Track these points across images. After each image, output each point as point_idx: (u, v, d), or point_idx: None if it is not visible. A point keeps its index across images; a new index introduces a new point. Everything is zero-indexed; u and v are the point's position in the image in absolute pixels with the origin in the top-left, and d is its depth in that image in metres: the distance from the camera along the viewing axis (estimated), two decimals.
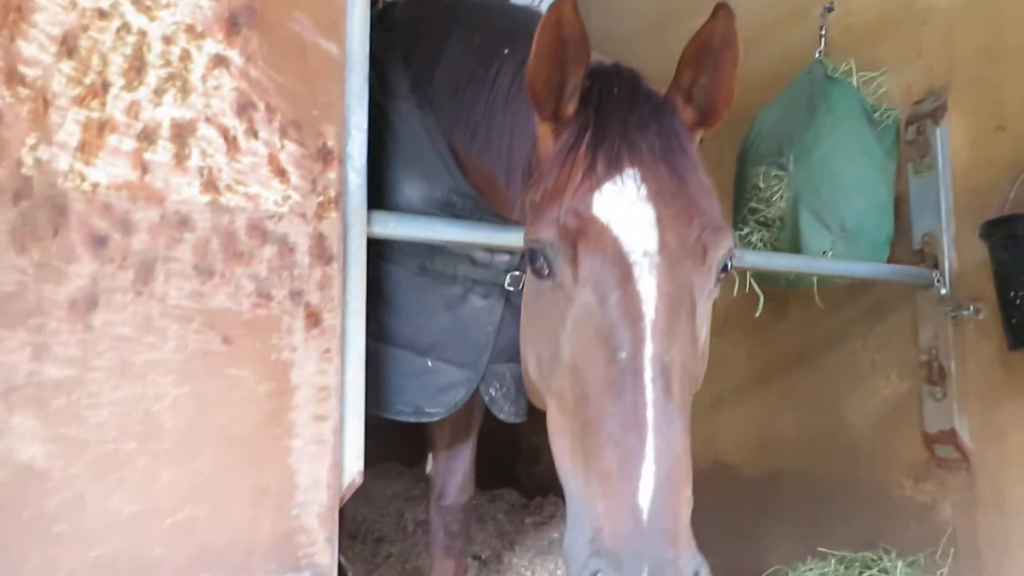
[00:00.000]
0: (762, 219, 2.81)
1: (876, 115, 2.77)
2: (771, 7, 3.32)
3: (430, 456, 2.74)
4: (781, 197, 2.72)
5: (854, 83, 2.81)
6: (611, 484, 1.21)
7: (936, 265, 2.62)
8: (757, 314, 2.82)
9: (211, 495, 1.45)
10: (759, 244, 2.80)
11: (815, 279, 2.69)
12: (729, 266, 1.47)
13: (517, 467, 5.41)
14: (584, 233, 1.38)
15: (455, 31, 2.01)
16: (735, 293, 2.90)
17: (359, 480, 1.62)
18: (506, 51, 1.83)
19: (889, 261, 2.72)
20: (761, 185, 2.79)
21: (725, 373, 3.58)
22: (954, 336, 2.58)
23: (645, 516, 1.17)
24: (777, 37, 3.31)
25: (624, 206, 1.37)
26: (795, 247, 2.69)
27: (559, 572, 3.92)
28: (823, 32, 2.98)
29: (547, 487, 4.98)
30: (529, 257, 1.48)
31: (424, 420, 2.16)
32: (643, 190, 1.38)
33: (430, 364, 2.13)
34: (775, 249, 2.78)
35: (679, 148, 1.45)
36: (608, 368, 1.29)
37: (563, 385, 1.39)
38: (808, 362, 3.16)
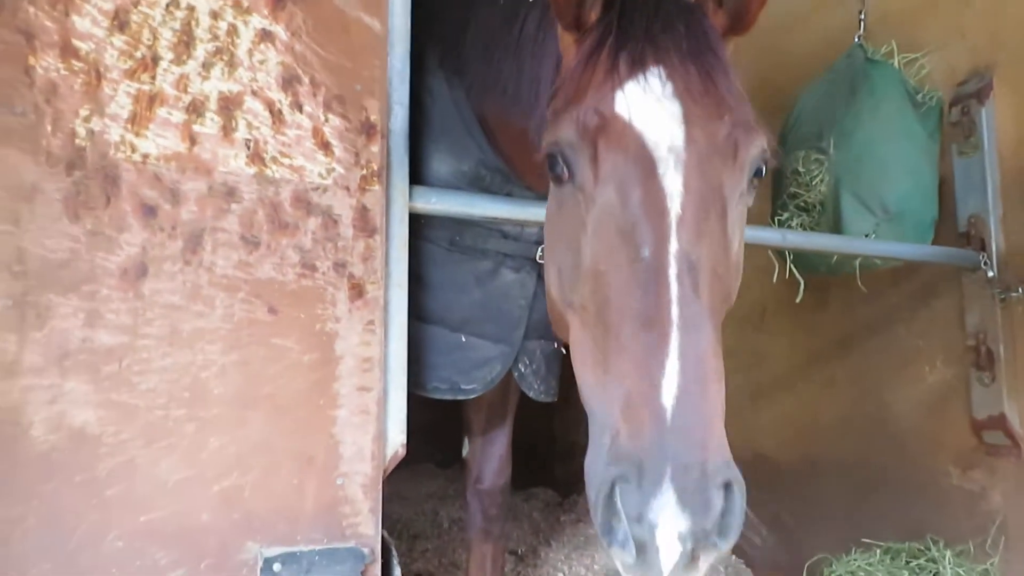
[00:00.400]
0: (802, 204, 2.77)
1: (919, 97, 2.72)
2: None
3: (466, 440, 2.74)
4: (822, 181, 2.69)
5: (895, 65, 2.77)
6: (631, 384, 1.13)
7: (983, 247, 2.56)
8: (798, 300, 2.78)
9: (257, 463, 1.47)
10: (799, 229, 2.76)
11: (857, 263, 2.65)
12: (763, 170, 1.39)
13: (552, 465, 5.39)
14: (605, 130, 1.30)
15: (482, 3, 2.00)
16: (775, 279, 2.87)
17: (402, 452, 1.63)
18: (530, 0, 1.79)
19: (934, 244, 2.66)
20: (801, 169, 2.76)
21: (765, 364, 3.54)
22: (1002, 319, 2.52)
23: (669, 415, 1.08)
24: (816, 22, 3.27)
25: (648, 103, 1.29)
26: (836, 231, 2.65)
27: (596, 567, 3.89)
28: (863, 16, 2.93)
29: (583, 485, 4.95)
30: (549, 164, 1.40)
31: (460, 397, 2.15)
32: (669, 88, 1.31)
33: (464, 339, 2.13)
34: None
35: (708, 49, 1.37)
36: (630, 267, 1.21)
37: (584, 294, 1.31)
38: (850, 350, 3.11)
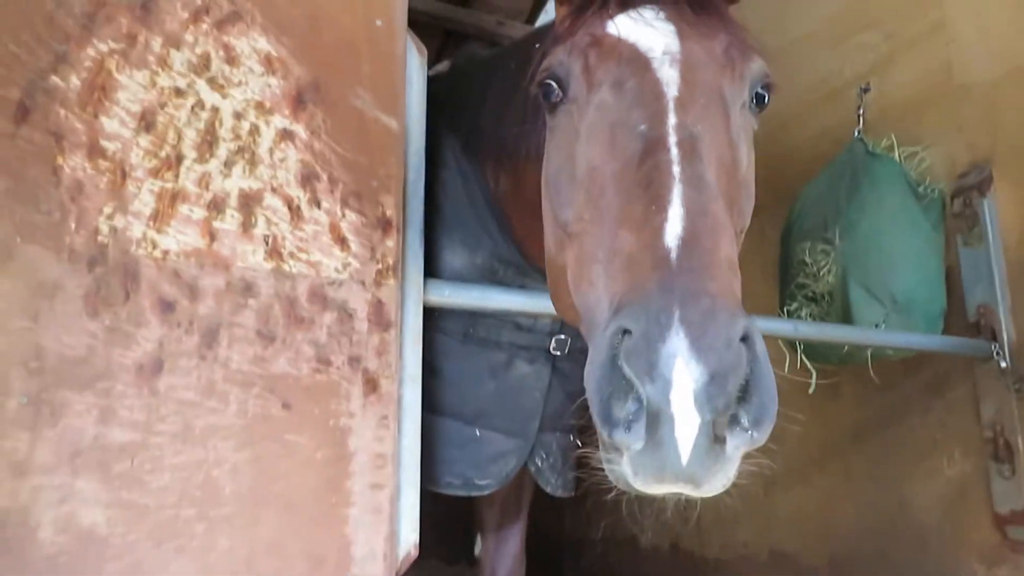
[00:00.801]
0: (810, 294, 2.78)
1: (920, 189, 2.77)
2: (808, 90, 3.39)
3: (478, 537, 2.67)
4: (829, 272, 2.71)
5: (896, 158, 2.83)
6: (630, 246, 1.04)
7: (994, 337, 2.55)
8: (811, 391, 2.75)
9: (267, 565, 1.42)
10: (808, 320, 2.76)
11: (868, 353, 2.63)
12: (767, 98, 1.36)
13: (562, 562, 5.23)
14: (598, 44, 1.29)
15: (493, 80, 2.05)
16: (786, 370, 2.85)
17: (414, 552, 1.58)
18: (537, 46, 1.84)
19: (944, 335, 2.66)
20: (808, 260, 2.78)
21: (778, 455, 3.47)
22: (1019, 411, 2.49)
23: (673, 252, 1.00)
24: (815, 118, 3.36)
25: (640, 25, 1.28)
26: (845, 321, 2.65)
27: None
28: (861, 111, 3.02)
29: None
30: (543, 94, 1.37)
31: (474, 493, 2.11)
32: (661, 15, 1.30)
33: (478, 433, 2.10)
34: None
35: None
36: (627, 147, 1.15)
37: (579, 201, 1.24)
38: (865, 442, 3.05)
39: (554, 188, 1.40)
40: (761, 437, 0.97)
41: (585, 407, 1.72)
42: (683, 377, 0.91)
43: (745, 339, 0.96)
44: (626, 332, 0.96)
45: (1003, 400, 2.55)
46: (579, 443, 2.43)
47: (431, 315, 2.05)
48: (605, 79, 1.27)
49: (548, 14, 6.35)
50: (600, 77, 1.28)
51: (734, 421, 0.95)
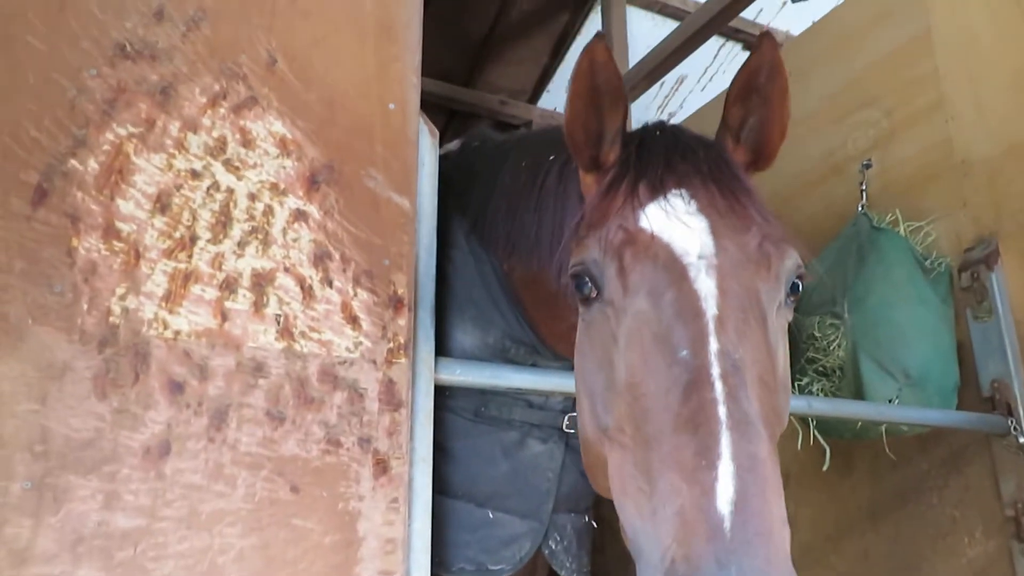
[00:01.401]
0: (821, 369, 2.76)
1: (927, 263, 2.78)
2: (811, 166, 3.44)
3: None
4: (839, 346, 2.69)
5: (901, 233, 2.85)
6: (682, 497, 1.01)
7: (1010, 412, 2.52)
8: (825, 468, 2.70)
9: None
10: (820, 395, 2.73)
11: (883, 429, 2.59)
12: (800, 287, 1.34)
13: None
14: (632, 243, 1.28)
15: (505, 165, 2.07)
16: (799, 446, 2.80)
17: None
18: (551, 157, 1.84)
19: (959, 410, 2.62)
20: (817, 335, 2.77)
21: (794, 534, 3.39)
22: None
23: (728, 527, 0.96)
24: (818, 194, 3.40)
25: (673, 219, 1.27)
26: (858, 396, 2.62)
27: None
28: (864, 187, 3.05)
29: None
30: (576, 285, 1.36)
31: None
32: (693, 205, 1.29)
33: (491, 515, 2.04)
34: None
35: (730, 174, 1.37)
36: (668, 371, 1.13)
37: (620, 412, 1.22)
38: (881, 520, 2.98)
39: (590, 387, 1.38)
40: None
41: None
42: None
43: None
44: None
45: (1023, 477, 2.49)
46: (594, 524, 2.37)
47: (441, 394, 2.03)
48: (641, 284, 1.25)
49: (550, 94, 6.52)
50: (636, 282, 1.26)
51: None
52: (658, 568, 1.01)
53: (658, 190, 1.33)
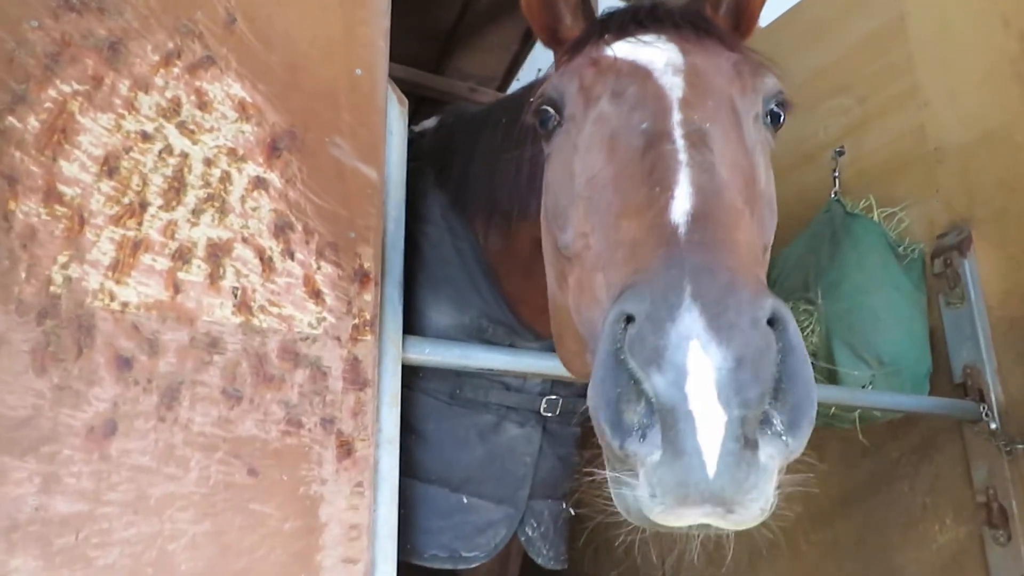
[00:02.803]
0: None
1: (900, 249, 2.76)
2: (783, 153, 3.39)
3: None
4: (813, 332, 2.66)
5: (875, 219, 2.82)
6: (633, 231, 0.93)
7: (982, 398, 2.50)
8: None
9: None
10: None
11: (856, 416, 2.57)
12: (782, 117, 1.30)
13: None
14: (596, 64, 1.24)
15: (483, 132, 2.01)
16: None
17: None
18: (530, 101, 1.80)
19: (931, 395, 2.61)
20: None
21: (760, 525, 3.36)
22: (1011, 473, 2.43)
23: (682, 228, 0.87)
24: (791, 181, 3.36)
25: (641, 45, 1.23)
26: (831, 382, 2.59)
27: None
28: (836, 174, 3.03)
29: None
30: (540, 121, 1.32)
31: (460, 567, 1.96)
32: (663, 36, 1.25)
33: (465, 501, 1.97)
34: None
35: (708, 22, 1.33)
36: (628, 148, 1.06)
37: (580, 216, 1.14)
38: (853, 508, 2.96)
39: (552, 214, 1.32)
40: (797, 446, 0.82)
41: (578, 470, 1.61)
42: (701, 363, 0.75)
43: (774, 323, 0.81)
44: (629, 320, 0.82)
45: (994, 463, 2.48)
46: (572, 511, 2.30)
47: (416, 375, 1.95)
48: (603, 92, 1.20)
49: (520, 82, 6.44)
50: (598, 91, 1.21)
51: (765, 423, 0.80)
52: (607, 307, 0.88)
53: (626, 31, 1.29)
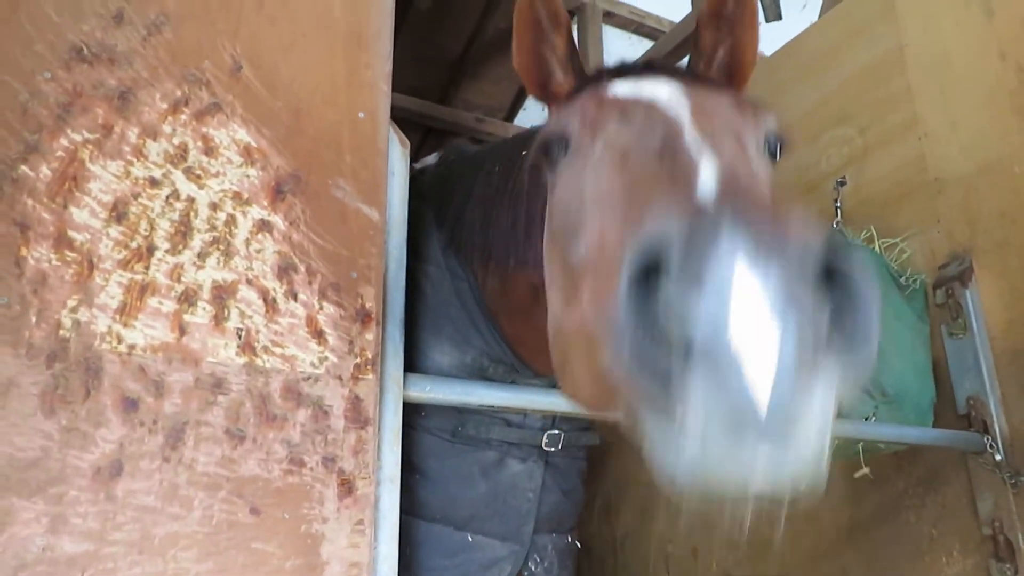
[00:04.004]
0: None
1: (902, 280, 2.77)
2: (785, 182, 3.43)
3: None
4: None
5: (876, 249, 2.84)
6: (649, 204, 0.88)
7: (986, 429, 2.50)
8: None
9: None
10: None
11: (860, 447, 2.57)
12: (778, 154, 1.32)
13: None
14: (602, 101, 1.28)
15: (479, 174, 2.04)
16: None
17: None
18: (523, 153, 1.78)
19: (935, 427, 2.60)
20: None
21: (768, 555, 3.35)
22: (1017, 506, 2.42)
23: (711, 188, 0.84)
24: None
25: (644, 83, 1.29)
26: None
27: None
28: (838, 204, 3.05)
29: None
30: (544, 152, 1.35)
31: None
32: (664, 78, 1.31)
33: (471, 539, 1.97)
34: None
35: (705, 76, 1.40)
36: (642, 157, 1.06)
37: (593, 223, 1.11)
38: (859, 539, 2.95)
39: (561, 233, 1.29)
40: (863, 367, 0.72)
41: (582, 505, 1.60)
42: (750, 278, 0.66)
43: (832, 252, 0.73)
44: (651, 270, 0.71)
45: (1000, 495, 2.47)
46: (577, 544, 2.31)
47: (418, 413, 1.97)
48: (611, 120, 1.22)
49: (527, 111, 6.51)
50: (605, 120, 1.23)
51: (821, 345, 0.70)
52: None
53: (624, 76, 1.35)
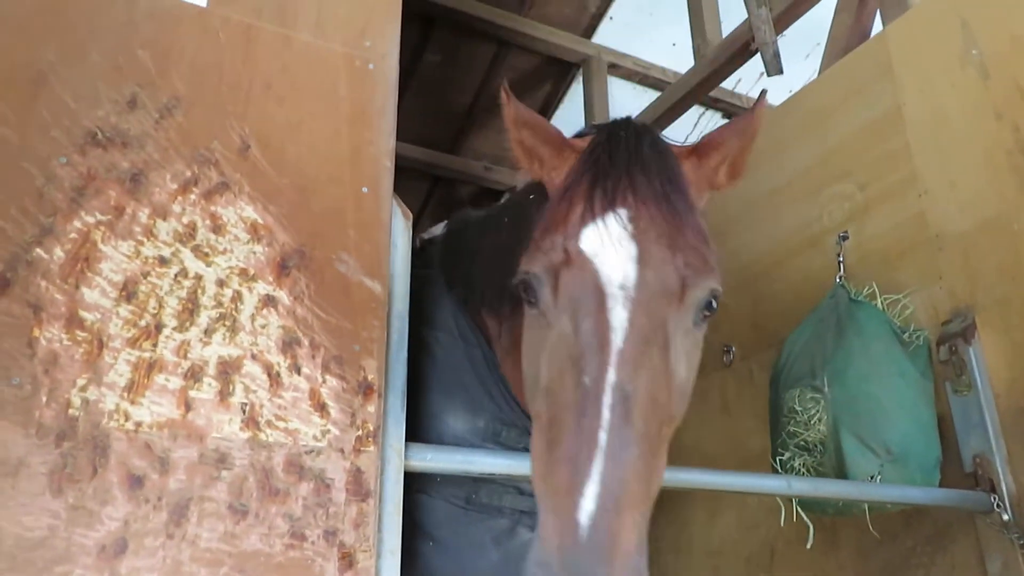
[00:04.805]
0: (802, 443, 2.73)
1: (905, 336, 2.78)
2: (788, 237, 3.47)
3: None
4: (820, 420, 2.67)
5: (879, 305, 2.86)
6: (558, 500, 1.23)
7: (993, 489, 2.49)
8: (809, 545, 2.65)
9: None
10: (802, 470, 2.70)
11: (866, 506, 2.56)
12: (714, 304, 1.48)
13: None
14: (568, 264, 1.45)
15: (487, 234, 2.11)
16: (782, 523, 2.76)
17: None
18: (531, 196, 1.93)
19: (941, 485, 2.59)
20: (798, 408, 2.75)
21: None
22: None
23: (583, 532, 1.16)
24: (796, 264, 3.42)
25: (609, 242, 1.43)
26: (840, 472, 2.59)
27: None
28: (841, 258, 3.08)
29: None
30: (522, 288, 1.54)
31: None
32: (631, 227, 1.45)
33: None
34: (819, 474, 2.68)
35: (679, 191, 1.53)
36: (573, 392, 1.33)
37: (539, 406, 1.44)
38: None
39: (528, 369, 1.60)
40: None
41: None
42: None
43: None
44: None
45: (1008, 555, 2.45)
46: None
47: (434, 481, 1.99)
48: (568, 307, 1.44)
49: None
50: (564, 302, 1.45)
51: None
52: (536, 535, 1.26)
53: (608, 204, 1.48)
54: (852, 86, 3.30)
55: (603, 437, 1.25)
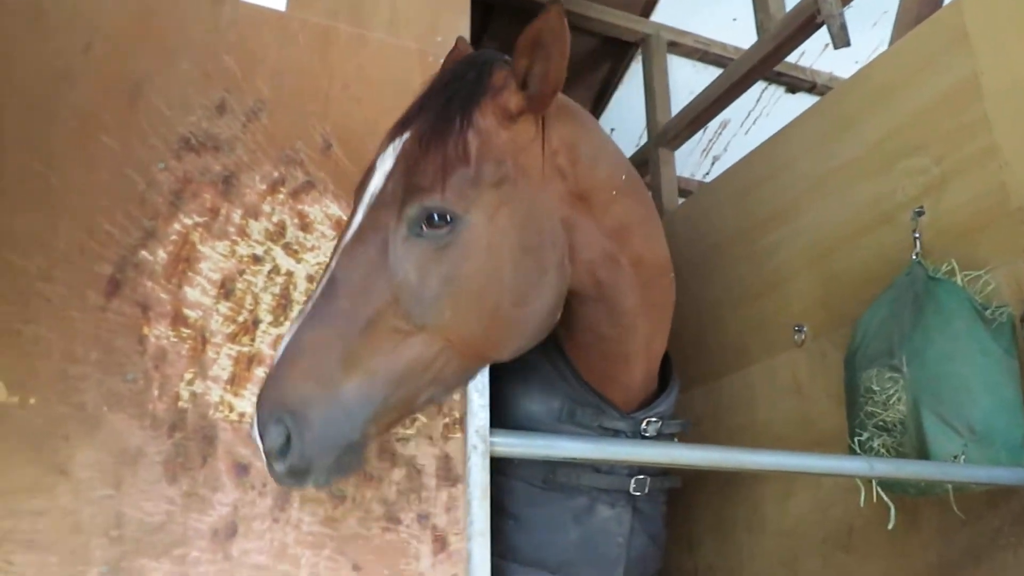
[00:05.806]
0: (881, 423, 2.69)
1: (988, 313, 2.70)
2: (859, 213, 3.40)
3: None
4: (899, 400, 2.62)
5: (959, 282, 2.78)
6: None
7: None
8: (890, 526, 2.62)
9: None
10: (881, 450, 2.66)
11: (950, 486, 2.51)
12: (435, 217, 1.49)
13: None
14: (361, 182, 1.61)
15: None
16: (862, 503, 2.73)
17: None
18: None
19: None
20: (875, 388, 2.70)
21: None
22: None
23: (270, 370, 1.36)
24: (869, 241, 3.35)
25: (376, 159, 1.58)
26: (921, 451, 2.54)
27: None
28: (917, 235, 3.00)
29: None
30: None
31: None
32: (395, 146, 1.56)
33: None
34: (899, 454, 2.64)
35: (451, 116, 1.56)
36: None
37: None
38: None
39: None
40: (284, 467, 1.31)
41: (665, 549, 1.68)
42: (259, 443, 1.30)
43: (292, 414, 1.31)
44: None
45: None
46: None
47: (511, 462, 2.04)
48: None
49: None
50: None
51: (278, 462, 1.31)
52: None
53: (394, 129, 1.61)
54: (925, 55, 3.20)
55: (308, 307, 1.41)
